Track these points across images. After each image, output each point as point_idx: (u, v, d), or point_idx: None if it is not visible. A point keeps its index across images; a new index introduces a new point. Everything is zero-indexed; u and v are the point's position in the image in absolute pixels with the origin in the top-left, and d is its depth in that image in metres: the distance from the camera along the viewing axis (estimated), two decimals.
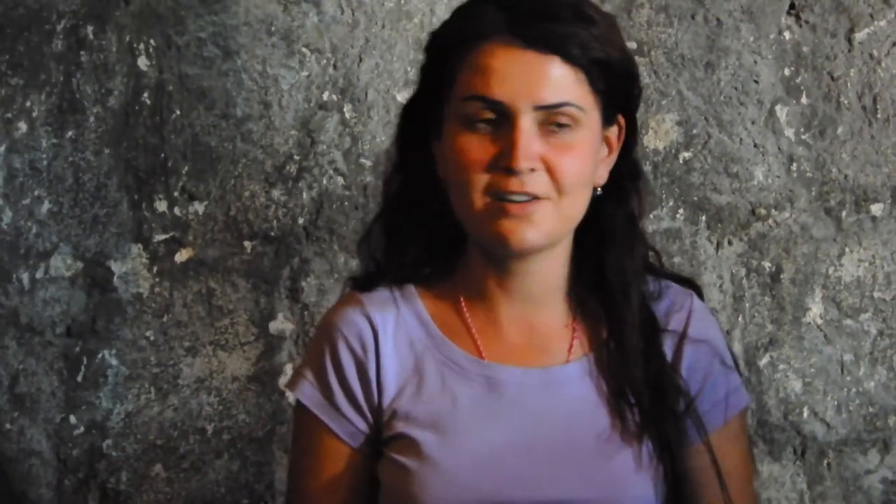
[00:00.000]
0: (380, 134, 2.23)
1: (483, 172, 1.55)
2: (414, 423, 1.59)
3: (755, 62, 2.27)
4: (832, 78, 2.28)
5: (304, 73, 2.22)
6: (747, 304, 2.28)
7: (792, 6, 2.27)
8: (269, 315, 2.23)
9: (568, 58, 1.55)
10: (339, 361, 1.62)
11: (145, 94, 2.20)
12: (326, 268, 2.23)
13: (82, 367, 2.19)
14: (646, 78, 2.21)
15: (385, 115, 2.23)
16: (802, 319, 2.28)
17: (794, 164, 2.27)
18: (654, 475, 1.59)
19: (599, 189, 1.63)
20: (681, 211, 2.27)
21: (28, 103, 2.18)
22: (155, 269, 2.20)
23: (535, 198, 1.55)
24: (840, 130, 2.28)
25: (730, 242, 2.28)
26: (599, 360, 1.63)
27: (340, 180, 2.23)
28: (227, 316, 2.22)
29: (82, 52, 2.18)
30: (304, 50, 2.22)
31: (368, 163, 2.23)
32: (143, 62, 2.20)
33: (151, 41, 2.19)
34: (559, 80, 1.55)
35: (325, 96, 2.22)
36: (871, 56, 2.27)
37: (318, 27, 2.22)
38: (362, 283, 1.69)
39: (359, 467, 1.64)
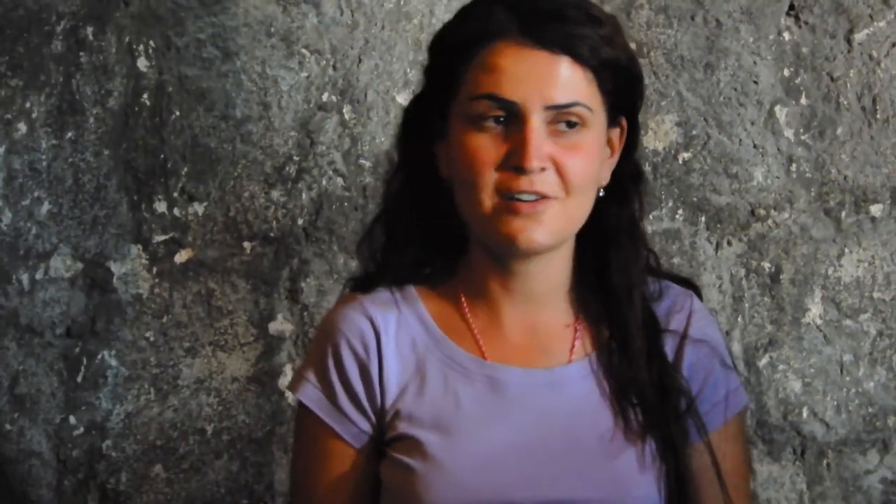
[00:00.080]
0: (379, 135, 2.23)
1: (492, 172, 1.55)
2: (417, 423, 1.59)
3: (754, 63, 2.27)
4: (832, 79, 2.28)
5: (304, 74, 2.22)
6: (747, 305, 2.28)
7: (791, 7, 2.27)
8: (269, 316, 2.23)
9: (578, 58, 1.56)
10: (341, 362, 1.62)
11: (145, 96, 2.20)
12: (326, 268, 2.23)
13: (82, 368, 2.19)
14: (645, 79, 2.19)
15: (384, 116, 2.23)
16: (802, 320, 2.28)
17: (794, 165, 2.27)
18: (658, 475, 1.59)
19: (602, 190, 1.63)
20: (680, 211, 2.27)
21: (28, 104, 2.18)
22: (154, 269, 2.20)
23: (544, 197, 1.55)
24: (839, 131, 2.28)
25: (729, 243, 2.28)
26: (601, 361, 1.63)
27: (340, 181, 2.23)
28: (227, 317, 2.22)
29: (82, 54, 2.18)
30: (303, 51, 2.22)
31: (368, 164, 2.23)
32: (142, 63, 2.20)
33: (151, 42, 2.20)
34: (570, 80, 1.55)
35: (325, 97, 2.23)
36: (871, 57, 2.27)
37: (318, 28, 2.22)
38: (362, 284, 1.69)
39: (362, 468, 1.63)
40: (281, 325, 2.23)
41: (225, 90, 2.21)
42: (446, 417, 1.59)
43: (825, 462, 2.29)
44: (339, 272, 2.22)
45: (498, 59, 1.55)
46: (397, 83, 2.24)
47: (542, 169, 1.54)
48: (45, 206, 2.19)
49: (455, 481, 1.55)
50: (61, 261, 2.19)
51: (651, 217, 2.22)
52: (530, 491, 1.55)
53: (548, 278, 1.64)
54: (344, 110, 2.23)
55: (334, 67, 2.23)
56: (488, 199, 1.56)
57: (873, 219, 2.28)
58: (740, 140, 2.27)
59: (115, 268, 2.20)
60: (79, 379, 2.19)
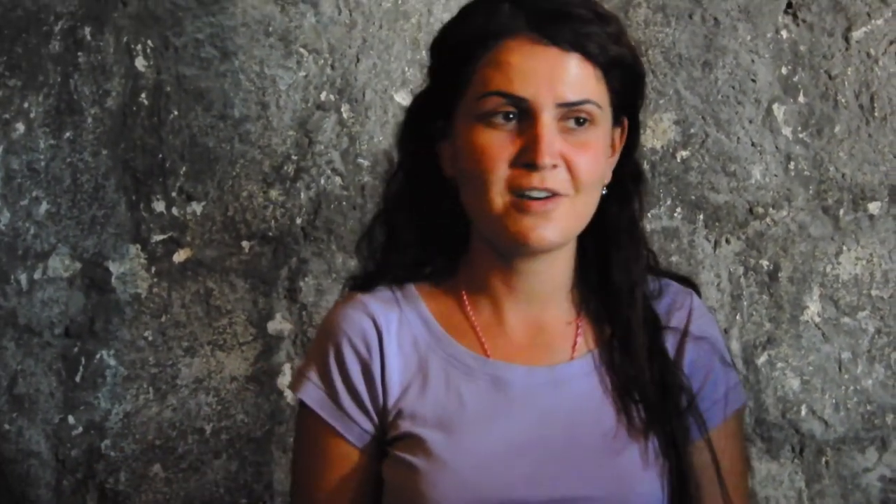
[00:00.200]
0: (377, 134, 2.23)
1: (503, 168, 1.55)
2: (420, 422, 1.59)
3: (752, 61, 2.27)
4: (829, 77, 2.28)
5: (302, 74, 2.22)
6: (745, 303, 2.28)
7: (789, 5, 2.27)
8: (268, 315, 2.23)
9: (588, 55, 1.56)
10: (343, 362, 1.62)
11: (143, 95, 2.20)
12: (324, 268, 2.23)
13: (81, 368, 2.19)
14: None
15: (382, 116, 2.23)
16: (800, 318, 2.28)
17: (792, 163, 2.27)
18: (660, 472, 1.59)
19: (604, 189, 1.63)
20: (678, 210, 2.27)
21: (26, 104, 2.18)
22: (153, 269, 2.20)
23: (555, 194, 1.55)
24: (837, 129, 2.28)
25: (727, 241, 2.28)
26: (603, 358, 1.64)
27: (338, 180, 2.23)
28: (226, 316, 2.22)
29: (80, 54, 2.19)
30: (301, 50, 2.22)
31: (366, 163, 2.23)
32: (140, 63, 2.20)
33: (149, 42, 2.20)
34: (580, 78, 1.56)
35: (323, 96, 2.23)
36: (869, 55, 2.27)
37: (316, 28, 2.22)
38: (362, 283, 1.69)
39: (364, 468, 1.63)
40: (279, 324, 2.23)
41: (223, 90, 2.21)
42: (449, 415, 1.59)
43: (824, 460, 2.29)
44: (337, 271, 2.22)
45: (508, 56, 1.55)
46: (395, 82, 2.24)
47: (554, 166, 1.55)
48: (44, 206, 2.19)
49: (458, 479, 1.55)
50: (60, 261, 2.19)
51: (649, 215, 2.22)
52: (534, 488, 1.55)
53: (551, 277, 1.64)
54: (342, 109, 2.23)
55: (332, 67, 2.23)
56: (498, 197, 1.56)
57: (871, 217, 2.28)
58: (738, 138, 2.27)
59: (114, 267, 2.20)
60: (77, 379, 2.19)
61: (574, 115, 1.56)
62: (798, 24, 2.27)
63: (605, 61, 1.57)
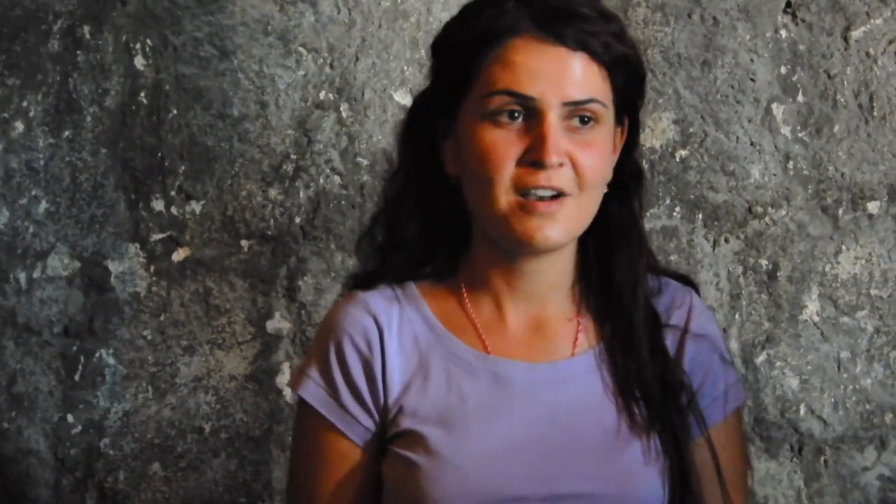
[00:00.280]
0: (376, 133, 2.23)
1: (509, 167, 1.55)
2: (420, 418, 1.59)
3: (751, 61, 2.27)
4: (828, 76, 2.28)
5: (301, 73, 2.22)
6: (744, 302, 2.28)
7: (788, 4, 2.27)
8: (267, 314, 2.23)
9: (593, 55, 1.57)
10: (344, 360, 1.62)
11: (142, 94, 2.20)
12: (323, 267, 2.23)
13: (80, 367, 2.19)
14: None
15: (381, 115, 2.23)
16: (799, 317, 2.28)
17: (791, 163, 2.27)
18: (662, 469, 1.59)
19: (605, 188, 1.64)
20: (677, 209, 2.27)
21: (25, 103, 2.18)
22: (152, 268, 2.20)
23: (561, 193, 1.56)
24: (836, 128, 2.28)
25: (726, 240, 2.28)
26: (604, 355, 1.64)
27: (337, 179, 2.23)
28: (225, 315, 2.22)
29: (79, 53, 2.19)
30: (300, 49, 2.22)
31: (365, 162, 2.23)
32: (139, 62, 2.20)
33: (148, 41, 2.20)
34: (586, 77, 1.56)
35: (322, 96, 2.23)
36: (868, 54, 2.27)
37: (315, 27, 2.22)
38: (363, 282, 1.69)
39: (365, 466, 1.63)
40: (278, 323, 2.23)
41: (222, 89, 2.21)
42: (450, 412, 1.59)
43: (822, 459, 2.29)
44: (336, 270, 2.22)
45: (515, 55, 1.56)
46: (394, 81, 2.24)
47: (560, 164, 1.55)
48: (43, 205, 2.19)
49: (459, 476, 1.55)
50: (59, 259, 2.19)
51: (648, 215, 2.22)
52: (535, 485, 1.55)
53: (553, 275, 1.64)
54: (341, 109, 2.23)
55: (331, 66, 2.23)
56: (504, 196, 1.56)
57: (870, 216, 2.28)
58: (737, 137, 2.27)
59: (113, 266, 2.20)
60: (76, 378, 2.19)
61: (579, 113, 1.56)
62: (797, 24, 2.27)
63: (609, 60, 1.58)
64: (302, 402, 1.65)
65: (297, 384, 1.65)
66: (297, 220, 2.22)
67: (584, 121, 1.57)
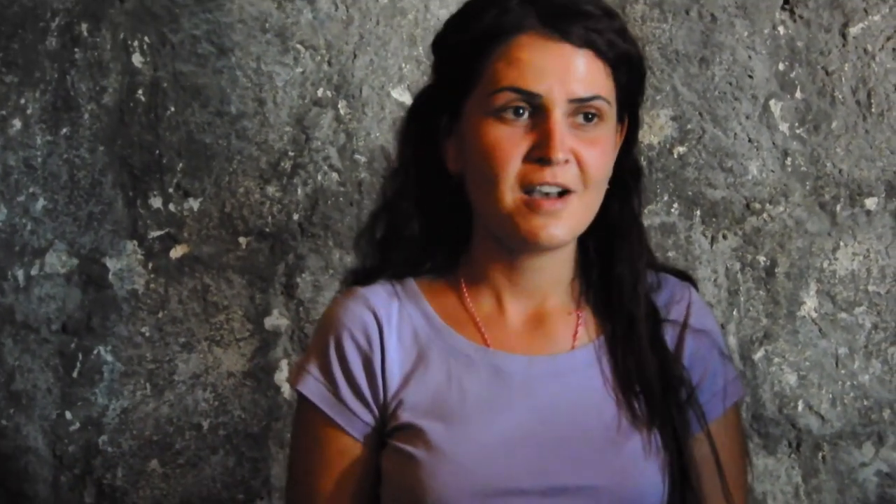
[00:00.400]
0: (374, 130, 2.23)
1: (515, 164, 1.56)
2: (420, 412, 1.59)
3: (749, 57, 2.27)
4: (826, 73, 2.28)
5: (299, 70, 2.22)
6: (742, 299, 2.28)
7: (786, 1, 2.27)
8: (265, 311, 2.23)
9: (598, 52, 1.57)
10: (344, 355, 1.62)
11: (140, 92, 2.20)
12: (321, 264, 2.23)
13: (78, 364, 2.19)
14: None
15: (379, 112, 2.23)
16: (797, 313, 2.28)
17: (789, 159, 2.28)
18: (661, 464, 1.59)
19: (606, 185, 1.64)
20: (675, 206, 2.27)
21: (22, 101, 2.18)
22: (150, 265, 2.20)
23: (566, 190, 1.56)
24: (834, 125, 2.28)
25: (724, 237, 2.28)
26: (604, 349, 1.64)
27: (335, 176, 2.23)
28: (223, 312, 2.22)
29: (77, 50, 2.18)
30: (298, 47, 2.22)
31: (363, 159, 2.23)
32: (137, 59, 2.20)
33: (146, 38, 2.20)
34: (591, 74, 1.57)
35: (320, 93, 2.23)
36: (866, 51, 2.27)
37: (313, 24, 2.22)
38: (362, 278, 1.69)
39: (365, 461, 1.63)
40: (277, 320, 2.23)
41: (220, 86, 2.21)
42: (450, 406, 1.59)
43: (820, 455, 2.29)
44: (334, 267, 2.22)
45: (520, 51, 1.56)
46: (392, 78, 2.24)
47: (566, 161, 1.55)
48: (41, 203, 2.19)
49: (459, 469, 1.55)
50: (57, 257, 2.19)
51: (646, 211, 2.22)
52: (535, 478, 1.55)
53: (554, 271, 1.65)
54: (339, 106, 2.23)
55: (329, 63, 2.23)
56: (509, 194, 1.56)
57: (868, 212, 2.28)
58: (735, 134, 2.27)
59: (111, 264, 2.20)
60: (75, 375, 2.19)
61: (584, 110, 1.57)
62: (795, 21, 2.27)
63: (613, 57, 1.58)
64: (301, 398, 1.65)
65: (296, 380, 1.66)
66: (296, 217, 2.22)
67: (589, 118, 1.57)
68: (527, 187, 1.56)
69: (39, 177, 2.18)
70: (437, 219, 1.67)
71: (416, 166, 1.67)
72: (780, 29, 2.27)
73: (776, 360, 2.28)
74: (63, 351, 2.19)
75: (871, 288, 2.29)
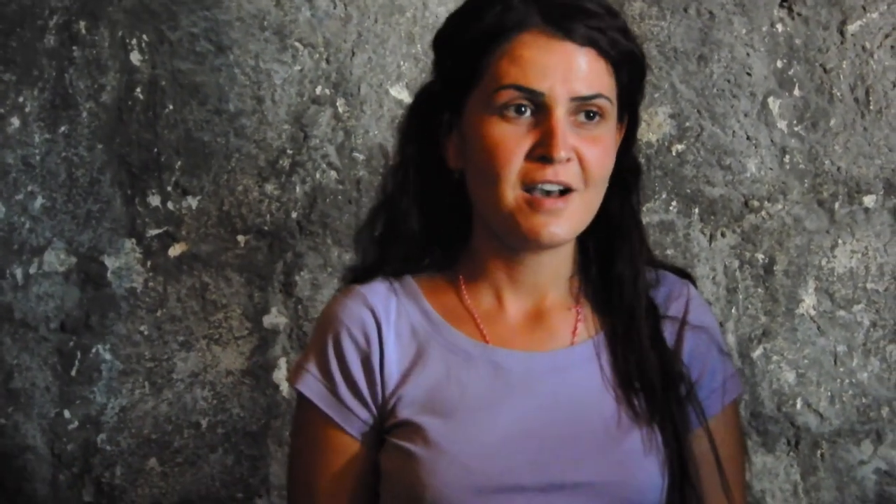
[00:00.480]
0: (372, 128, 2.23)
1: (517, 162, 1.56)
2: (419, 409, 1.59)
3: (748, 55, 2.27)
4: (825, 70, 2.28)
5: (297, 68, 2.22)
6: (741, 296, 2.28)
7: None
8: (263, 309, 2.23)
9: (601, 50, 1.57)
10: (342, 353, 1.62)
11: (138, 90, 2.20)
12: (320, 262, 2.23)
13: (76, 362, 2.19)
14: None
15: (378, 110, 2.23)
16: (796, 311, 2.28)
17: (787, 157, 2.28)
18: (661, 459, 1.59)
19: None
20: (674, 203, 2.27)
21: (21, 99, 2.18)
22: (148, 263, 2.20)
23: (568, 189, 1.56)
24: (833, 122, 2.28)
25: (723, 234, 2.28)
26: (604, 345, 1.64)
27: (333, 174, 2.23)
28: (221, 310, 2.22)
29: (75, 48, 2.18)
30: (296, 45, 2.22)
31: (361, 157, 2.23)
32: (135, 57, 2.20)
33: (144, 37, 2.19)
34: (594, 72, 1.57)
35: (318, 91, 2.23)
36: (864, 48, 2.27)
37: (311, 22, 2.22)
38: (361, 275, 1.69)
39: (364, 459, 1.63)
40: (275, 318, 2.23)
41: (218, 84, 2.21)
42: (449, 402, 1.59)
43: (819, 453, 2.29)
44: (333, 265, 2.22)
45: (523, 49, 1.56)
46: (390, 76, 2.24)
47: (568, 160, 1.55)
48: (39, 201, 2.18)
49: (458, 466, 1.55)
50: (55, 255, 2.19)
51: (645, 209, 2.22)
52: (534, 474, 1.55)
53: (554, 267, 1.65)
54: (337, 104, 2.23)
55: (327, 61, 2.23)
56: (511, 191, 1.56)
57: (866, 210, 2.28)
58: (734, 132, 2.27)
59: (109, 262, 2.20)
60: (73, 373, 2.19)
61: (586, 108, 1.57)
62: (793, 18, 2.27)
63: (615, 56, 1.59)
64: (300, 397, 1.66)
65: (295, 378, 1.66)
66: (294, 215, 2.22)
67: (590, 116, 1.57)
68: (528, 185, 1.56)
69: (38, 175, 2.18)
70: (436, 216, 1.67)
71: (417, 163, 1.67)
72: (779, 26, 2.27)
73: (775, 357, 2.28)
74: (61, 349, 2.19)
75: (869, 285, 2.29)
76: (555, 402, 1.59)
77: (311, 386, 1.64)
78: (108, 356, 2.20)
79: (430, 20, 2.23)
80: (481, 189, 1.60)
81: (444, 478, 1.55)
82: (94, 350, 2.19)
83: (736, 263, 2.28)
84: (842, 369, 2.29)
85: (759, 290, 2.28)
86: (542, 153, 1.55)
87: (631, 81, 1.63)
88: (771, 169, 2.27)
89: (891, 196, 2.28)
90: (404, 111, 1.74)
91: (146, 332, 2.20)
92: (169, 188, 2.20)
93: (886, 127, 2.28)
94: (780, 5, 2.27)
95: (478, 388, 1.60)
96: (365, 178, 2.22)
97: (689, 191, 2.27)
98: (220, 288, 2.22)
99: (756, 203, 2.27)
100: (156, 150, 2.20)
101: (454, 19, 1.65)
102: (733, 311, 2.28)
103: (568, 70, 1.56)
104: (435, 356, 1.62)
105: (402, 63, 2.24)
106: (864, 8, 2.27)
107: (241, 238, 2.22)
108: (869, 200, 2.28)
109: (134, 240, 2.20)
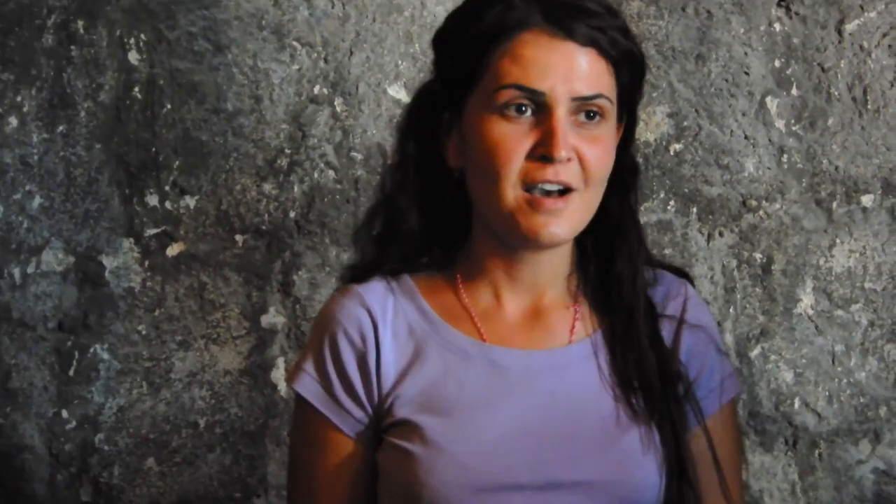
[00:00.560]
0: (371, 127, 2.23)
1: (518, 162, 1.56)
2: (416, 408, 1.59)
3: (745, 54, 2.27)
4: (822, 69, 2.28)
5: (295, 67, 2.22)
6: (738, 296, 2.28)
7: None
8: (261, 309, 2.23)
9: (602, 50, 1.58)
10: (338, 353, 1.63)
11: (136, 89, 2.20)
12: (318, 261, 2.23)
13: (74, 362, 2.19)
14: None
15: (376, 109, 2.23)
16: (794, 310, 2.28)
17: (785, 156, 2.28)
18: (659, 458, 1.60)
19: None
20: (672, 203, 2.27)
21: (19, 98, 2.17)
22: (146, 263, 2.20)
23: (568, 189, 1.56)
24: (830, 122, 2.28)
25: (721, 234, 2.28)
26: (602, 344, 1.64)
27: (332, 174, 2.23)
28: (219, 310, 2.22)
29: (73, 47, 2.18)
30: (294, 44, 2.22)
31: (359, 156, 2.23)
32: (133, 57, 2.20)
33: (142, 36, 2.19)
34: (595, 72, 1.57)
35: (316, 90, 2.23)
36: (862, 47, 2.27)
37: (309, 21, 2.22)
38: (359, 274, 1.69)
39: (362, 457, 1.64)
40: (273, 318, 2.23)
41: (216, 83, 2.20)
42: (446, 401, 1.59)
43: (817, 452, 2.29)
44: (331, 265, 2.22)
45: (524, 49, 1.56)
46: (389, 75, 2.24)
47: (568, 160, 1.56)
48: (37, 200, 2.18)
49: (456, 464, 1.55)
50: (53, 255, 2.19)
51: (643, 208, 2.22)
52: (532, 473, 1.56)
53: (553, 265, 1.65)
54: (335, 103, 2.23)
55: (326, 60, 2.23)
56: (511, 191, 1.56)
57: (864, 209, 2.29)
58: (731, 131, 2.27)
59: (107, 261, 2.20)
60: (71, 373, 2.19)
61: (586, 108, 1.57)
62: (791, 17, 2.27)
63: (616, 56, 1.59)
64: (298, 396, 1.66)
65: (292, 378, 1.66)
66: (292, 214, 2.22)
67: (591, 116, 1.58)
68: (528, 185, 1.56)
69: (36, 174, 2.18)
70: (435, 215, 1.68)
71: (416, 162, 1.67)
72: (777, 25, 2.27)
73: (773, 357, 2.28)
74: (59, 349, 2.19)
75: (867, 285, 2.29)
76: (553, 401, 1.59)
77: (308, 386, 1.64)
78: (105, 356, 2.20)
79: (429, 19, 2.23)
80: (481, 188, 1.60)
81: (442, 476, 1.55)
82: (91, 350, 2.19)
83: (734, 263, 2.28)
84: (840, 369, 2.29)
85: (757, 289, 2.28)
86: (542, 153, 1.55)
87: (631, 81, 1.63)
88: (769, 168, 2.27)
89: (888, 195, 2.28)
90: (403, 110, 1.74)
91: (144, 332, 2.20)
92: (167, 188, 2.20)
93: (884, 126, 2.28)
94: (778, 4, 2.27)
95: (475, 386, 1.60)
96: (363, 178, 2.22)
97: (687, 190, 2.27)
98: (218, 287, 2.22)
99: (754, 202, 2.27)
100: (154, 149, 2.20)
101: (454, 18, 1.65)
102: (731, 310, 2.28)
103: (569, 70, 1.56)
104: (432, 355, 1.62)
105: (400, 62, 2.24)
106: (861, 7, 2.27)
107: (239, 237, 2.22)
108: (867, 200, 2.28)
109: (132, 239, 2.20)
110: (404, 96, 2.20)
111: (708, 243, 2.28)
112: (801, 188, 2.28)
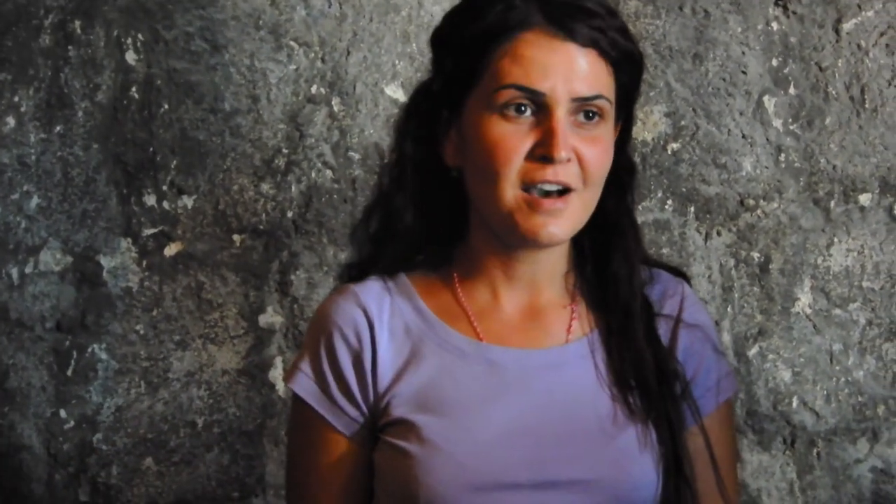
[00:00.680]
0: (368, 127, 2.23)
1: (517, 162, 1.56)
2: (413, 407, 1.59)
3: (743, 53, 2.27)
4: (820, 68, 2.28)
5: (293, 67, 2.22)
6: (736, 295, 2.28)
7: None
8: (259, 308, 2.23)
9: (602, 51, 1.58)
10: (334, 353, 1.63)
11: (133, 89, 2.20)
12: (316, 261, 2.23)
13: (72, 362, 2.19)
14: None
15: (373, 109, 2.23)
16: (791, 310, 2.28)
17: (783, 155, 2.28)
18: (656, 457, 1.60)
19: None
20: (669, 202, 2.27)
21: (16, 98, 2.18)
22: (144, 263, 2.20)
23: (567, 189, 1.56)
24: (828, 121, 2.28)
25: (718, 233, 2.28)
26: (599, 343, 1.64)
27: (329, 174, 2.23)
28: (217, 310, 2.22)
29: (70, 47, 2.18)
30: (292, 44, 2.22)
31: (357, 156, 2.23)
32: (131, 57, 2.20)
33: (139, 36, 2.19)
34: (594, 73, 1.57)
35: (314, 90, 2.23)
36: (859, 46, 2.27)
37: (306, 21, 2.22)
38: (357, 272, 1.69)
39: (359, 457, 1.64)
40: (271, 317, 2.23)
41: (214, 83, 2.20)
42: (443, 400, 1.59)
43: (815, 451, 2.29)
44: (328, 265, 2.22)
45: (525, 49, 1.56)
46: (386, 75, 2.24)
47: (568, 160, 1.56)
48: (35, 201, 2.18)
49: (453, 464, 1.55)
50: (51, 255, 2.19)
51: (640, 208, 2.23)
52: (529, 472, 1.56)
53: (551, 265, 1.65)
54: (333, 103, 2.23)
55: (323, 60, 2.23)
56: (510, 191, 1.56)
57: (862, 208, 2.29)
58: (729, 130, 2.27)
59: (105, 261, 2.20)
60: (69, 373, 2.19)
61: (585, 109, 1.57)
62: (788, 16, 2.28)
63: (616, 56, 1.59)
64: (295, 396, 1.66)
65: (290, 378, 1.66)
66: (290, 214, 2.22)
67: (590, 116, 1.58)
68: (527, 185, 1.56)
69: (33, 174, 2.18)
70: (432, 213, 1.67)
71: (414, 161, 1.67)
72: (774, 25, 2.27)
73: (770, 356, 2.28)
74: (57, 349, 2.19)
75: (865, 284, 2.29)
76: (550, 400, 1.59)
77: (305, 385, 1.64)
78: (103, 356, 2.20)
79: (426, 19, 2.23)
80: (480, 188, 1.60)
81: (439, 475, 1.55)
82: (89, 349, 2.19)
83: (731, 262, 2.28)
84: (837, 368, 2.29)
85: (755, 288, 2.28)
86: (542, 153, 1.55)
87: (629, 81, 1.63)
88: (766, 167, 2.27)
89: (886, 194, 2.28)
90: (400, 109, 1.74)
91: (142, 332, 2.20)
92: (164, 187, 2.20)
93: (882, 125, 2.28)
94: (776, 4, 2.28)
95: (472, 385, 1.60)
96: (360, 178, 2.22)
97: (684, 189, 2.27)
98: (215, 287, 2.22)
99: (751, 202, 2.27)
100: (151, 149, 2.20)
101: (454, 17, 1.65)
102: (729, 309, 2.28)
103: (569, 70, 1.56)
104: (429, 354, 1.62)
105: (397, 62, 2.24)
106: (859, 6, 2.27)
107: (236, 237, 2.22)
108: (864, 199, 2.28)
109: (129, 239, 2.20)
110: (402, 96, 2.20)
111: (705, 242, 2.28)
112: (798, 187, 2.28)
